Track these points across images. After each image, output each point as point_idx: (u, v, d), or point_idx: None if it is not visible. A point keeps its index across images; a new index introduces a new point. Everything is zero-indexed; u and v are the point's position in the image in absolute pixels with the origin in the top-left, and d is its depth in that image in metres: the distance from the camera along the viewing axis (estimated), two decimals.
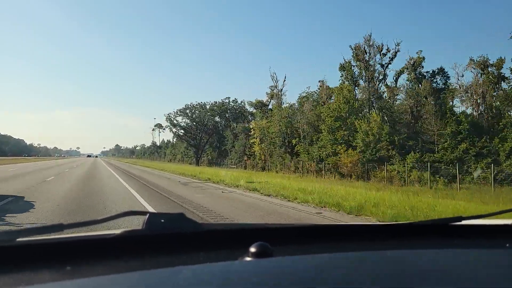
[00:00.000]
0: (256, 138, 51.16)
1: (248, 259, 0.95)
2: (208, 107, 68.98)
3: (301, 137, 41.99)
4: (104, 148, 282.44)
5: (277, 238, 1.15)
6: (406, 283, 0.85)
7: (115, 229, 1.07)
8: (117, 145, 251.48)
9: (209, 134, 68.98)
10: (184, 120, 70.73)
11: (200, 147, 69.51)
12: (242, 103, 67.45)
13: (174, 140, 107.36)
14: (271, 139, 47.50)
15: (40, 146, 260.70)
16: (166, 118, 70.39)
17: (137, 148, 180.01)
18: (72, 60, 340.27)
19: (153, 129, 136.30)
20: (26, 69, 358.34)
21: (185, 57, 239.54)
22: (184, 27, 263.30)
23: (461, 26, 72.59)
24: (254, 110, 63.90)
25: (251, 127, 53.00)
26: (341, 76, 40.11)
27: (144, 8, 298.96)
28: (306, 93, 48.97)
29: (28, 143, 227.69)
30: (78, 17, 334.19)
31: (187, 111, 69.91)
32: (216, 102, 67.95)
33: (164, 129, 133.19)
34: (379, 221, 7.90)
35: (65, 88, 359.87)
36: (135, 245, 1.04)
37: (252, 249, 0.96)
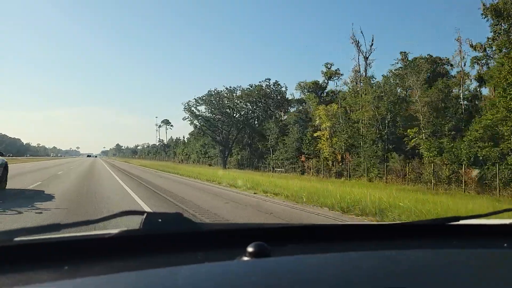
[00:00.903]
0: (324, 130, 34.59)
1: (245, 259, 0.93)
2: (239, 92, 52.52)
3: (420, 126, 25.56)
4: (104, 147, 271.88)
5: (275, 238, 1.14)
6: (404, 283, 0.83)
7: (112, 229, 1.03)
8: (117, 145, 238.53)
9: (238, 128, 52.71)
10: (207, 110, 54.40)
11: (227, 145, 53.17)
12: (282, 87, 50.73)
13: (185, 137, 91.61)
14: (356, 130, 30.98)
15: (39, 145, 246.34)
16: (185, 108, 54.21)
17: (138, 147, 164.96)
18: (72, 59, 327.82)
19: (160, 126, 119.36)
20: (26, 68, 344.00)
21: (186, 56, 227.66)
22: (184, 26, 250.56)
23: None
24: (304, 95, 47.51)
25: (316, 114, 36.56)
26: (495, 25, 23.81)
27: (144, 8, 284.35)
28: (402, 62, 32.84)
29: (24, 142, 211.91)
30: (77, 16, 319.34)
31: (212, 98, 53.42)
32: (251, 86, 51.34)
33: (172, 126, 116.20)
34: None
35: (64, 87, 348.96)
36: (132, 244, 1.03)
37: (250, 249, 0.94)
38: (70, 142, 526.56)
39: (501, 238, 1.24)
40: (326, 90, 45.50)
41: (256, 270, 0.88)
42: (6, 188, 11.93)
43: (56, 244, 0.99)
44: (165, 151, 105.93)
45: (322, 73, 45.49)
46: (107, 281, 0.80)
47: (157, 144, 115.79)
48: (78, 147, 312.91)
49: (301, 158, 38.71)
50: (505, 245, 1.18)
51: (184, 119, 56.13)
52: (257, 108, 51.75)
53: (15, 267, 0.87)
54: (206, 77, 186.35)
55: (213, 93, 53.72)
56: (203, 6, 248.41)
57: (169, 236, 1.06)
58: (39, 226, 0.93)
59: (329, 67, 45.68)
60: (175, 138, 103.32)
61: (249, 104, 51.93)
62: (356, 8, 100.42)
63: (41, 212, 7.70)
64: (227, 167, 50.73)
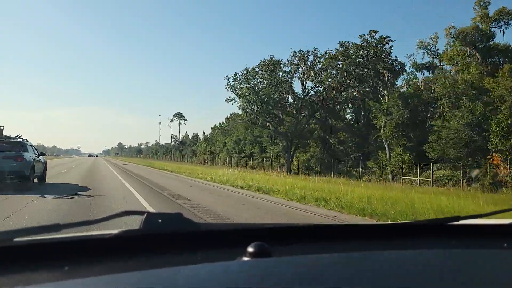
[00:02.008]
0: None
1: (245, 259, 0.92)
2: (321, 57, 33.09)
3: None
4: (106, 147, 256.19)
5: (275, 238, 1.13)
6: (404, 283, 0.83)
7: (113, 229, 1.03)
8: (119, 144, 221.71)
9: (309, 114, 33.75)
10: (262, 86, 35.18)
11: (293, 139, 34.15)
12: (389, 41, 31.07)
13: (205, 133, 72.84)
14: None
15: (38, 145, 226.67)
16: (228, 85, 35.11)
17: (141, 146, 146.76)
18: (72, 59, 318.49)
19: (172, 120, 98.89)
20: (26, 68, 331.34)
21: (186, 56, 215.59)
22: (184, 26, 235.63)
23: None
24: (434, 57, 28.46)
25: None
26: None
27: (144, 8, 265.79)
28: None
29: None
30: (77, 16, 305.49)
31: (268, 69, 34.22)
32: (342, 45, 31.80)
33: (186, 120, 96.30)
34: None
35: (64, 87, 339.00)
36: (133, 245, 1.02)
37: (250, 249, 0.93)
38: (71, 142, 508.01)
39: (501, 238, 1.21)
40: (490, 42, 26.59)
41: (257, 270, 0.86)
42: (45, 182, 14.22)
43: (56, 244, 0.98)
44: (179, 149, 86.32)
45: (478, 15, 26.43)
46: (107, 281, 0.79)
47: (171, 141, 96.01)
48: (79, 146, 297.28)
49: (491, 159, 19.65)
50: (505, 245, 1.16)
51: (228, 100, 37.33)
52: (350, 80, 32.58)
53: (15, 267, 0.86)
54: (206, 77, 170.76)
55: (272, 62, 34.48)
56: (203, 6, 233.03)
57: (169, 236, 1.04)
58: (40, 226, 0.91)
59: (481, 6, 26.63)
60: (192, 134, 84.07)
61: (335, 73, 32.66)
62: None
63: (89, 197, 9.69)
64: (291, 172, 32.01)
